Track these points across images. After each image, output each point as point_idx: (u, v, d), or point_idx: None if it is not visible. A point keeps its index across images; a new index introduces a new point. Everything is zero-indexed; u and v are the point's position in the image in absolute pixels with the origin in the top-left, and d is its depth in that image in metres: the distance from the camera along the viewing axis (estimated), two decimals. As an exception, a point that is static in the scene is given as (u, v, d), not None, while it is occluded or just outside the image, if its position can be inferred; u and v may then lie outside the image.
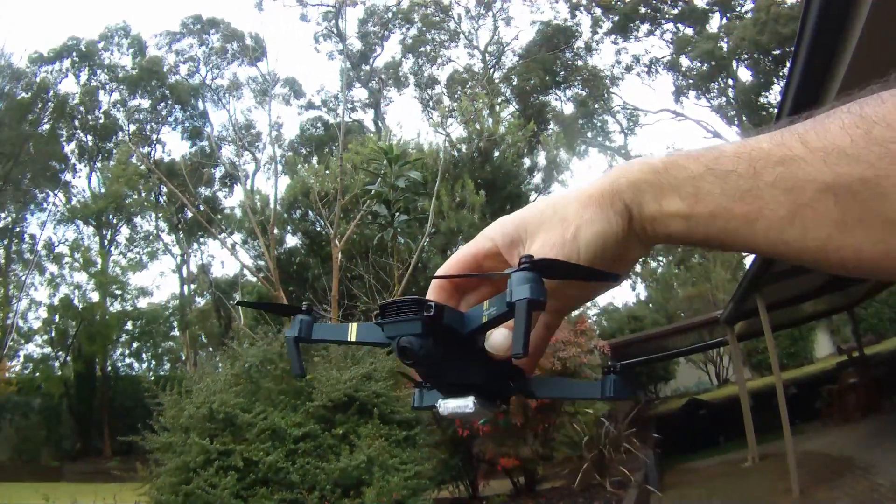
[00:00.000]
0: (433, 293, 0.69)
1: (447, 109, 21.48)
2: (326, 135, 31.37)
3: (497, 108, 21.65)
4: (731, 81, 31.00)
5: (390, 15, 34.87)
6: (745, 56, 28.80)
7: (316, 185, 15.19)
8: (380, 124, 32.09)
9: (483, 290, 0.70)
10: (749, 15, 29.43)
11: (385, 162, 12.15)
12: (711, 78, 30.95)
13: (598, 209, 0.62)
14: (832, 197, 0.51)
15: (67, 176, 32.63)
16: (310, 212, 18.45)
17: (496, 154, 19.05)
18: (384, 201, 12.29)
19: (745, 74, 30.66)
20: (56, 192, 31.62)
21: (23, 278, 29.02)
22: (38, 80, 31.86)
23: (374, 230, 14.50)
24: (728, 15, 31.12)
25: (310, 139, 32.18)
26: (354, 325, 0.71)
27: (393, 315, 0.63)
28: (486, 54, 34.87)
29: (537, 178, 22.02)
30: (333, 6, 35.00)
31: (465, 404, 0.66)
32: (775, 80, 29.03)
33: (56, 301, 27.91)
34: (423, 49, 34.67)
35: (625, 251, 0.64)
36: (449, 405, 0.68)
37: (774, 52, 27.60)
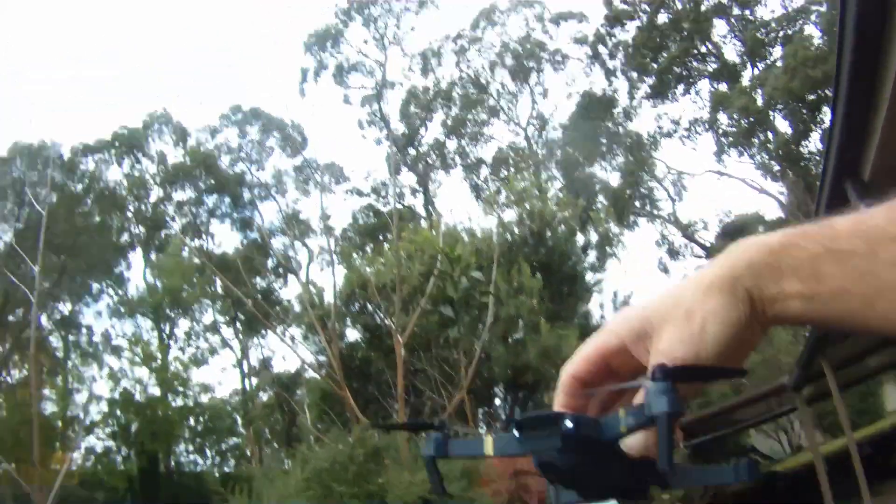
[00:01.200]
0: (564, 390, 0.70)
1: (496, 191, 21.65)
2: (378, 222, 31.86)
3: (544, 185, 21.75)
4: (770, 135, 30.79)
5: (430, 96, 35.73)
6: (780, 106, 28.66)
7: (373, 278, 15.34)
8: (430, 209, 32.49)
9: (609, 385, 0.69)
10: (779, 63, 29.48)
11: (445, 261, 12.27)
12: (750, 133, 30.80)
13: (721, 297, 0.62)
14: None
15: (122, 268, 33.54)
16: (368, 304, 18.51)
17: (548, 234, 19.04)
18: (448, 301, 12.35)
19: (782, 124, 30.46)
20: (110, 282, 32.50)
21: (82, 371, 29.50)
22: (87, 170, 33.17)
23: (435, 323, 14.49)
24: (759, 65, 31.16)
25: (362, 228, 32.72)
26: (490, 438, 0.71)
27: (531, 430, 0.64)
28: (529, 127, 35.37)
29: (591, 255, 21.88)
30: (374, 89, 36.06)
31: None
32: (813, 127, 28.80)
33: (117, 395, 28.17)
34: (465, 130, 35.32)
35: (749, 337, 0.63)
36: None
37: (809, 98, 27.45)
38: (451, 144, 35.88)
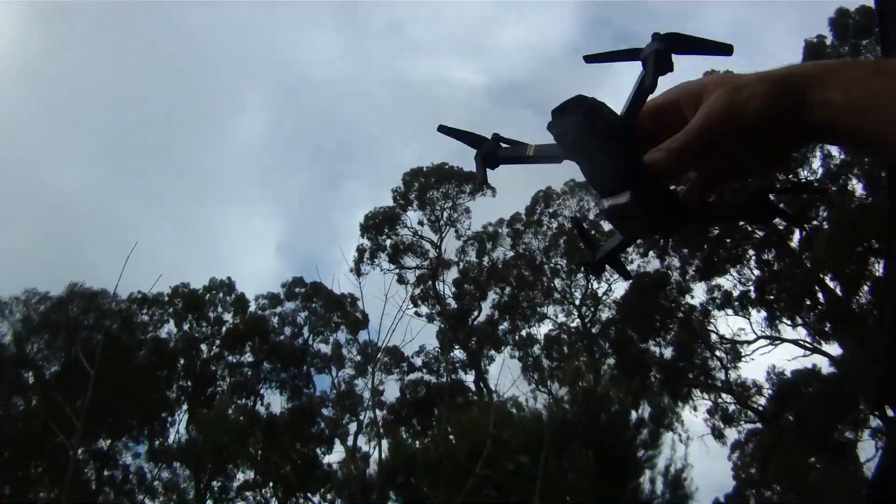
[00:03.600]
0: None
1: (549, 369, 21.46)
2: (427, 397, 31.60)
3: (598, 363, 21.50)
4: (820, 296, 30.20)
5: (484, 276, 36.44)
6: (828, 266, 28.30)
7: (419, 454, 15.11)
8: (481, 385, 32.18)
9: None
10: (825, 225, 29.46)
11: (493, 444, 12.06)
12: (801, 299, 30.31)
13: (772, 87, 0.71)
14: None
15: (165, 415, 33.57)
16: (412, 478, 18.11)
17: (602, 414, 18.66)
18: (493, 483, 12.02)
19: (830, 282, 29.90)
20: (152, 428, 32.53)
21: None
22: (142, 320, 34.49)
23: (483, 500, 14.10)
24: (805, 229, 31.16)
25: (412, 402, 32.43)
26: (532, 144, 0.83)
27: (560, 114, 0.75)
28: (583, 307, 35.42)
29: (644, 433, 21.20)
30: (428, 268, 37.00)
31: (622, 198, 0.73)
32: (862, 282, 28.22)
33: None
34: (518, 309, 35.58)
35: (782, 133, 0.73)
36: (607, 202, 0.75)
37: (857, 251, 27.10)
38: (504, 322, 36.08)
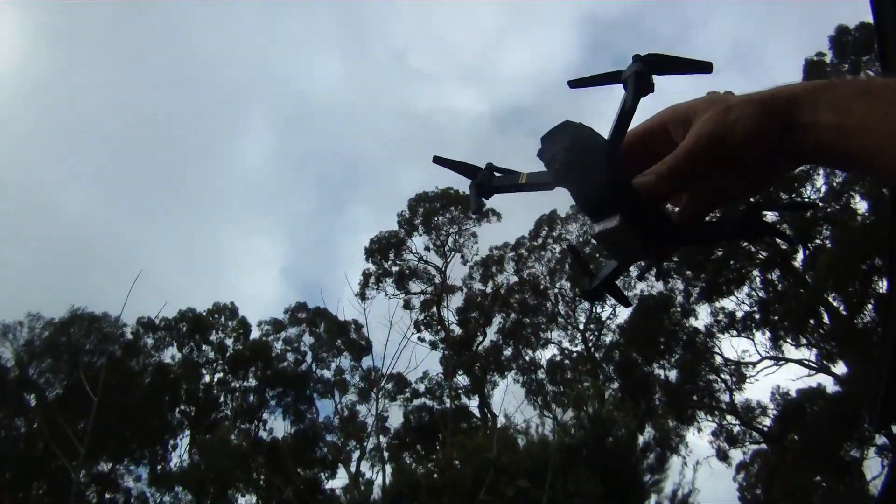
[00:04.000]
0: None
1: (553, 394, 21.37)
2: (431, 422, 31.39)
3: (603, 387, 21.38)
4: (825, 315, 30.04)
5: (489, 301, 36.33)
6: (832, 285, 28.18)
7: (423, 479, 15.04)
8: (485, 410, 31.98)
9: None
10: (828, 244, 29.37)
11: (492, 471, 12.01)
12: (805, 319, 30.14)
13: (761, 108, 0.71)
14: None
15: (167, 439, 33.37)
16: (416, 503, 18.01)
17: (608, 437, 18.53)
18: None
19: (834, 300, 29.76)
20: (154, 452, 32.34)
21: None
22: (144, 346, 34.46)
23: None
24: (809, 247, 31.06)
25: (415, 427, 32.21)
26: (524, 172, 0.84)
27: (549, 139, 0.77)
28: (587, 332, 35.28)
29: (650, 457, 21.04)
30: (432, 294, 36.89)
31: (612, 222, 0.73)
32: (865, 300, 28.09)
33: None
34: (522, 334, 35.43)
35: (771, 155, 0.73)
36: (598, 226, 0.75)
37: (861, 269, 26.99)
38: (508, 348, 35.93)
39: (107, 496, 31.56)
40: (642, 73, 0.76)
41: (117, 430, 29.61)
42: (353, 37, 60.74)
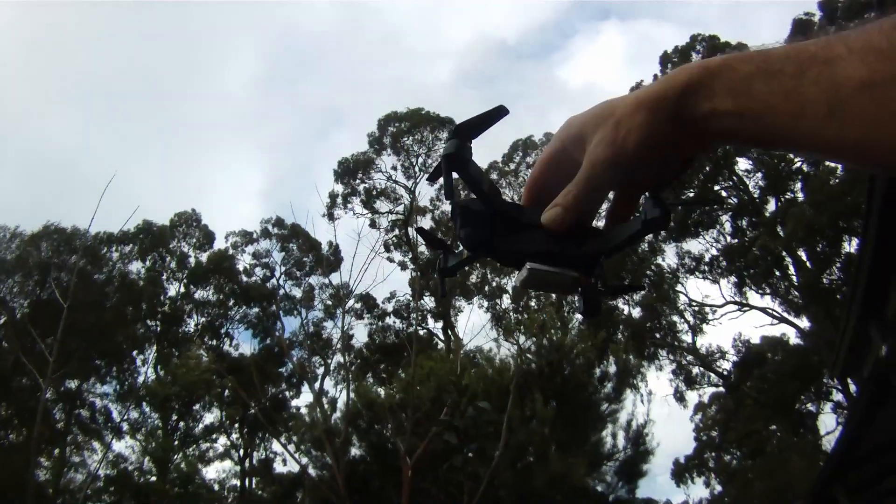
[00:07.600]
0: (526, 189, 0.83)
1: (515, 322, 21.64)
2: (396, 344, 31.71)
3: (566, 317, 21.68)
4: (792, 268, 30.68)
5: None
6: (801, 239, 28.74)
7: (383, 399, 15.24)
8: (449, 334, 32.34)
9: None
10: (801, 196, 29.80)
11: (455, 392, 12.20)
12: (772, 269, 30.73)
13: (647, 114, 0.67)
14: (868, 94, 0.54)
15: (134, 356, 33.51)
16: (375, 424, 18.32)
17: (566, 366, 18.90)
18: (454, 429, 12.18)
19: (802, 255, 30.46)
20: (121, 369, 32.50)
21: (81, 445, 29.74)
22: (110, 258, 34.05)
23: (442, 448, 14.31)
24: (781, 199, 31.46)
25: (380, 348, 32.56)
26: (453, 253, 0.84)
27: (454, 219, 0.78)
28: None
29: (608, 386, 21.58)
30: (402, 214, 36.78)
31: (524, 272, 0.73)
32: (834, 259, 28.75)
33: (114, 473, 27.68)
34: (489, 259, 35.60)
35: (674, 152, 0.71)
36: (517, 279, 0.75)
37: (830, 229, 27.58)
38: (475, 274, 36.15)
39: (74, 412, 31.66)
40: (451, 154, 0.77)
41: (84, 347, 29.53)
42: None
